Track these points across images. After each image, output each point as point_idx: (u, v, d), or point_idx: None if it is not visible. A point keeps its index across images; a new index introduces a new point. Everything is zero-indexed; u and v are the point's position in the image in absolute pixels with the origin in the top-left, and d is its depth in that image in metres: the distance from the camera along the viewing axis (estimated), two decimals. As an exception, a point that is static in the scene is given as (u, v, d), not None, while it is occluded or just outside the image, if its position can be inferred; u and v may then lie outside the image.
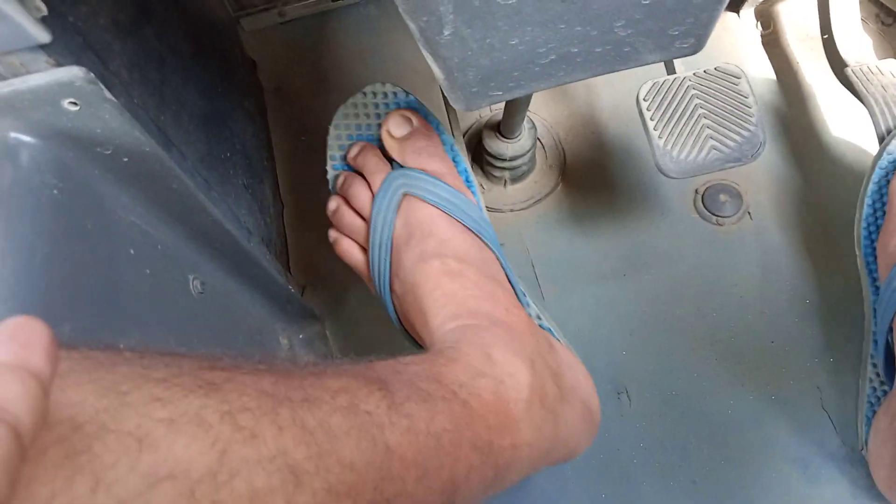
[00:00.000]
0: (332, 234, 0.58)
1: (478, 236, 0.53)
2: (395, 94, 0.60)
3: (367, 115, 0.59)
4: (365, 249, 0.55)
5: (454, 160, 0.58)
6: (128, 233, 0.46)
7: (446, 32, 0.31)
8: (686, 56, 0.39)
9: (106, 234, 0.44)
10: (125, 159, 0.43)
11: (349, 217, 0.56)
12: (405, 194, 0.53)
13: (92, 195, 0.44)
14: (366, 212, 0.55)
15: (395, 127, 0.56)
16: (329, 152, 0.60)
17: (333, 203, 0.57)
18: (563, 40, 0.34)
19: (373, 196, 0.54)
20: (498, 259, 0.54)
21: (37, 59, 0.38)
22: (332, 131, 0.60)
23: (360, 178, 0.56)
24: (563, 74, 0.38)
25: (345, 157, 0.59)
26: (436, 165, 0.55)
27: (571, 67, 0.38)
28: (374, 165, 0.56)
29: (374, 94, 0.59)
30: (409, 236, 0.52)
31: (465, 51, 0.33)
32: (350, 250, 0.56)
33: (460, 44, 0.33)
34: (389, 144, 0.56)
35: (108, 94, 0.39)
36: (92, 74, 0.38)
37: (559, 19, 0.32)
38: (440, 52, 0.33)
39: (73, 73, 0.37)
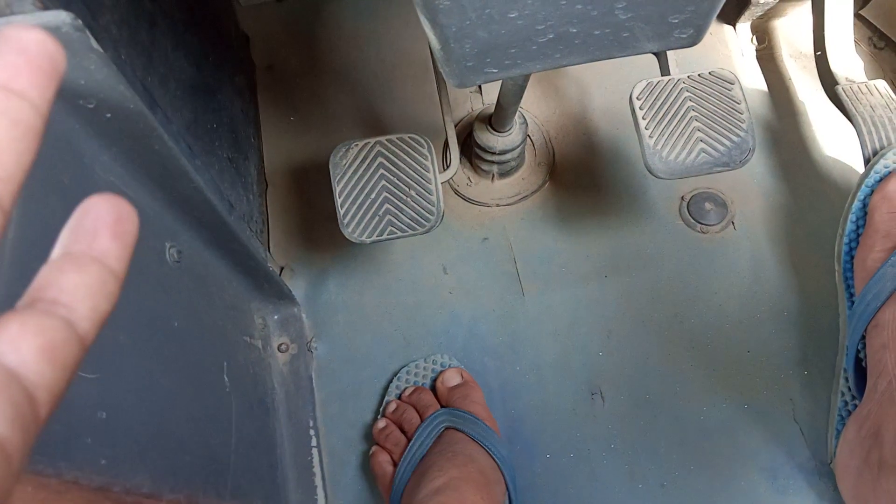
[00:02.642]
0: (374, 448, 0.68)
1: (498, 467, 0.64)
2: (447, 362, 0.73)
3: (424, 377, 0.72)
4: (395, 464, 0.65)
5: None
6: (105, 192, 0.45)
7: (446, -3, 0.31)
8: (684, 47, 0.39)
9: (82, 191, 0.43)
10: (108, 115, 0.42)
11: (396, 434, 0.67)
12: (447, 427, 0.65)
13: (71, 150, 0.42)
14: (410, 433, 0.66)
15: (449, 379, 0.70)
16: (388, 394, 0.72)
17: (383, 422, 0.69)
18: (562, 18, 0.34)
19: (421, 421, 0.67)
20: (507, 489, 0.64)
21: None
22: (395, 381, 0.72)
23: (412, 408, 0.69)
24: (559, 56, 0.38)
25: (400, 396, 0.71)
26: (477, 410, 0.67)
27: (569, 49, 0.37)
28: (426, 401, 0.69)
29: (434, 360, 0.73)
30: (439, 453, 0.63)
31: (464, 20, 0.33)
32: (383, 462, 0.66)
33: (459, 11, 0.32)
34: (441, 391, 0.69)
35: (94, 44, 0.37)
36: (79, 21, 0.36)
37: (560, -6, 0.32)
38: (438, 18, 0.33)
39: (61, 17, 0.36)
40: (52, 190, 0.40)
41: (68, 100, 0.40)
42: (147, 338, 0.47)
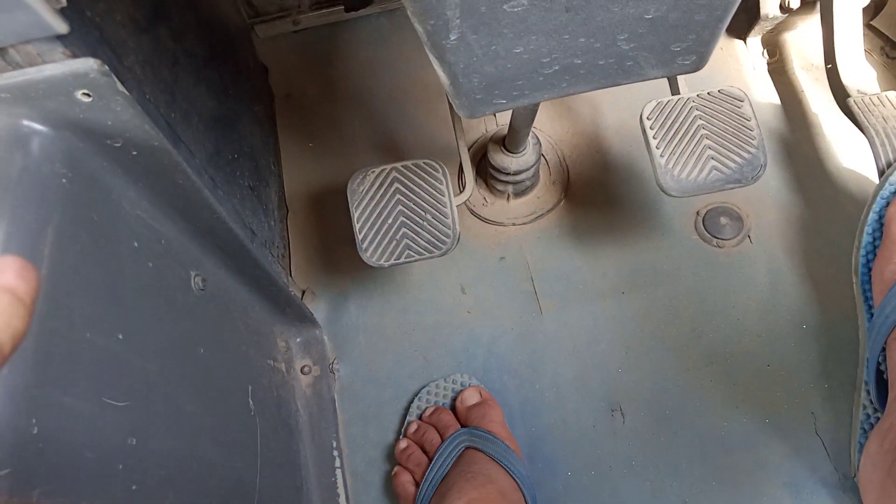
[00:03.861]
0: (396, 468, 0.69)
1: (518, 486, 0.64)
2: (467, 381, 0.74)
3: (444, 396, 0.73)
4: (417, 484, 0.67)
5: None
6: (133, 226, 0.47)
7: (452, 37, 0.32)
8: (688, 73, 0.40)
9: (111, 226, 0.45)
10: (134, 153, 0.44)
11: (418, 454, 0.68)
12: (467, 447, 0.66)
13: (99, 187, 0.44)
14: (431, 453, 0.68)
15: (468, 398, 0.71)
16: (409, 415, 0.73)
17: (404, 443, 0.70)
18: (566, 51, 0.35)
19: (441, 442, 0.68)
20: None
21: (53, 49, 0.39)
22: (416, 401, 0.74)
23: (433, 428, 0.70)
24: (566, 86, 0.39)
25: (420, 416, 0.73)
26: (496, 429, 0.68)
27: (575, 79, 0.38)
28: (447, 421, 0.70)
29: (454, 380, 0.74)
30: (459, 473, 0.63)
31: (471, 57, 0.34)
32: (405, 483, 0.67)
33: (466, 49, 0.33)
34: (460, 410, 0.71)
35: (120, 87, 0.39)
36: (106, 67, 0.38)
37: (563, 30, 0.33)
38: (446, 56, 0.34)
39: (88, 64, 0.38)
40: (81, 226, 0.42)
41: (96, 140, 0.42)
42: (174, 365, 0.49)
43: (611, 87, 0.41)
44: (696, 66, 0.39)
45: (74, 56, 0.39)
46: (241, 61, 0.80)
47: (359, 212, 0.63)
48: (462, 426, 0.69)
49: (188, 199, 0.50)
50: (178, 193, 0.49)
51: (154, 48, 0.54)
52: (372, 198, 0.63)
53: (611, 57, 0.37)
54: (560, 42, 0.34)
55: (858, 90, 0.74)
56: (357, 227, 0.63)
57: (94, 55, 0.38)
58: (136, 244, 0.47)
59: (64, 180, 0.41)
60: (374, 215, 0.63)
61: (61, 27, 0.36)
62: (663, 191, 0.60)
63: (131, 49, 0.49)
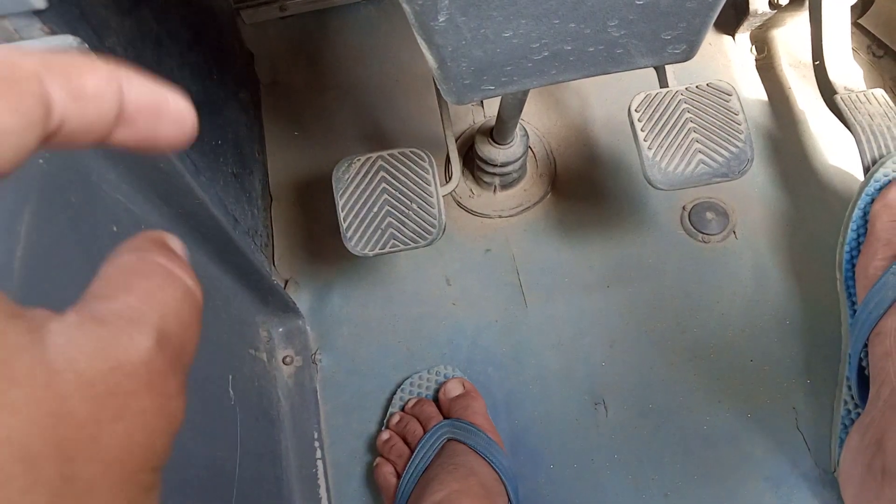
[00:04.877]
0: (378, 460, 0.69)
1: (500, 479, 0.64)
2: (450, 373, 0.73)
3: (428, 388, 0.73)
4: (399, 475, 0.66)
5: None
6: (112, 209, 0.46)
7: (441, 19, 0.32)
8: (677, 62, 0.40)
9: (90, 209, 0.44)
10: (114, 134, 0.43)
11: (400, 446, 0.68)
12: (449, 439, 0.66)
13: (79, 169, 0.43)
14: (414, 444, 0.67)
15: (451, 390, 0.71)
16: (391, 406, 0.73)
17: (386, 434, 0.70)
18: (556, 36, 0.35)
19: (424, 433, 0.67)
20: (510, 501, 0.65)
21: (31, 25, 0.38)
22: (398, 392, 0.73)
23: (415, 420, 0.70)
24: (555, 72, 0.39)
25: (403, 408, 0.72)
26: (479, 420, 0.67)
27: (564, 66, 0.38)
28: (429, 413, 0.70)
29: (437, 372, 0.73)
30: (441, 465, 0.63)
31: (459, 39, 0.34)
32: (387, 474, 0.67)
33: (454, 32, 0.33)
34: (443, 402, 0.70)
35: (101, 66, 0.38)
36: (86, 45, 0.37)
37: (553, 14, 0.33)
38: (434, 38, 0.33)
39: (67, 41, 0.37)
40: (59, 208, 0.41)
41: (75, 120, 0.41)
42: (153, 352, 0.48)
43: (600, 75, 0.40)
44: (686, 55, 0.39)
45: (53, 33, 0.38)
46: (227, 47, 0.79)
47: (343, 200, 0.63)
48: (445, 418, 0.69)
49: (170, 183, 0.49)
50: (160, 178, 0.48)
51: (137, 29, 0.53)
52: (357, 186, 0.63)
53: (601, 44, 0.36)
54: (550, 27, 0.34)
55: (845, 87, 0.74)
56: (342, 215, 0.62)
57: (73, 33, 0.38)
58: (115, 228, 0.46)
59: (41, 161, 0.40)
60: (360, 204, 0.62)
61: (39, 2, 0.35)
62: (650, 183, 0.60)
63: (113, 29, 0.48)
